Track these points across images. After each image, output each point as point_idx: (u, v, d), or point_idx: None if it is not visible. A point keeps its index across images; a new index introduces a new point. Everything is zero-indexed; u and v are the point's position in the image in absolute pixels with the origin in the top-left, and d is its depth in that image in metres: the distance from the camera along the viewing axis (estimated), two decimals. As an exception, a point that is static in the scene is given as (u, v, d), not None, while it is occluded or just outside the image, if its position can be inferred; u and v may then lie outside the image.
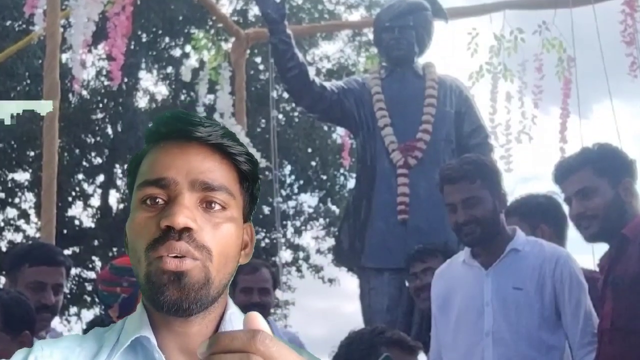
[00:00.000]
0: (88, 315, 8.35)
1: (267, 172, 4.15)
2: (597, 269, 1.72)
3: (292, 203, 9.21)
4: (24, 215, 8.56)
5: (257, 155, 2.56)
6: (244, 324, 0.45)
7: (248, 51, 4.00)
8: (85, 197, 8.77)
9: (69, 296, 8.03)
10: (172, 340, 0.63)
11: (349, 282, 8.63)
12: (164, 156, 0.64)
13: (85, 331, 2.07)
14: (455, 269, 1.84)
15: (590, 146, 1.72)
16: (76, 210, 8.69)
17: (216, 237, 0.62)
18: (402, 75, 2.73)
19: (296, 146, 8.68)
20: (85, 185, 8.84)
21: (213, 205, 0.63)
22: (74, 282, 8.29)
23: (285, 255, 9.04)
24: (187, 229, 0.61)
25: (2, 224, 8.47)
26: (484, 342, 1.69)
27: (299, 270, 9.32)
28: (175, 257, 0.60)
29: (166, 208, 0.62)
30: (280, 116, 8.69)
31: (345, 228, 2.68)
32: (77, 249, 8.39)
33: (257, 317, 0.45)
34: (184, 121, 0.64)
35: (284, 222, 8.79)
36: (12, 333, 1.57)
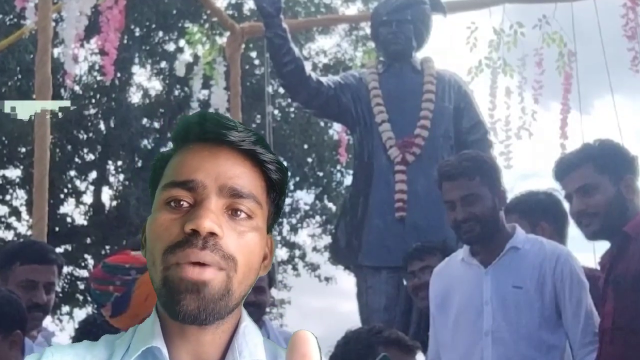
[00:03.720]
0: (80, 314, 8.32)
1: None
2: (598, 267, 1.70)
3: (288, 200, 9.18)
4: (15, 212, 8.49)
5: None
6: (290, 345, 0.40)
7: (243, 46, 3.95)
8: (77, 194, 8.71)
9: (61, 295, 7.98)
10: (184, 349, 0.61)
11: (346, 281, 8.62)
12: (192, 158, 0.62)
13: (77, 330, 2.05)
14: (454, 267, 1.82)
15: (591, 142, 1.71)
16: (68, 207, 8.64)
17: (241, 246, 0.60)
18: (399, 70, 2.71)
19: (292, 142, 8.65)
20: (77, 182, 8.78)
21: (239, 213, 0.61)
22: (66, 280, 8.25)
23: (281, 253, 9.04)
24: (212, 235, 0.59)
25: (-6, 221, 8.41)
26: (483, 342, 1.67)
27: (294, 268, 9.31)
28: (197, 263, 0.58)
29: (191, 211, 0.60)
30: (276, 112, 8.65)
31: (342, 226, 2.65)
32: (69, 247, 8.34)
33: (304, 342, 0.40)
34: (217, 124, 0.62)
35: (280, 220, 8.74)
36: (3, 332, 1.55)
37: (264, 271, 0.65)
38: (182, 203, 0.61)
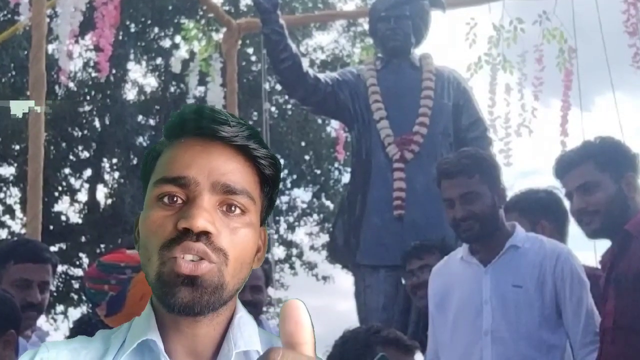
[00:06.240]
0: (75, 313, 8.28)
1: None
2: (599, 266, 1.69)
3: (285, 198, 9.16)
4: (9, 210, 8.43)
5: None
6: (281, 312, 0.41)
7: (240, 42, 3.92)
8: (72, 192, 8.65)
9: (55, 294, 7.94)
10: (179, 342, 0.62)
11: (344, 280, 8.60)
12: (184, 153, 0.62)
13: (72, 330, 2.02)
14: (453, 266, 1.81)
15: (592, 140, 1.70)
16: (63, 205, 8.58)
17: (234, 242, 0.61)
18: (398, 67, 2.69)
19: (289, 140, 8.63)
20: (72, 180, 8.72)
21: (233, 209, 0.62)
22: (60, 279, 8.20)
23: (278, 251, 9.01)
24: (205, 233, 0.59)
25: (-12, 219, 8.34)
26: (482, 342, 1.66)
27: (292, 267, 9.29)
28: (191, 260, 0.59)
29: (184, 209, 0.60)
30: (273, 109, 8.62)
31: (339, 224, 2.64)
32: (63, 246, 8.29)
33: (296, 310, 0.40)
34: (209, 118, 0.62)
35: (277, 218, 8.74)
36: (-3, 332, 1.52)
37: (257, 264, 0.65)
38: (175, 199, 0.61)
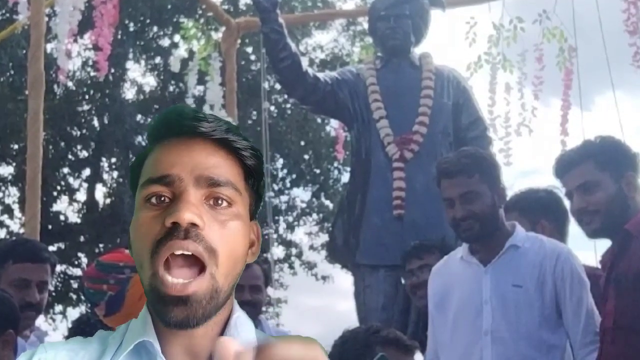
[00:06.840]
0: (74, 313, 8.28)
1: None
2: (599, 266, 1.68)
3: (284, 198, 9.15)
4: (7, 210, 8.42)
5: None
6: (215, 352, 0.39)
7: (239, 41, 3.92)
8: (70, 192, 8.64)
9: (54, 294, 7.93)
10: (176, 343, 0.62)
11: (343, 279, 8.60)
12: (167, 153, 0.63)
13: (70, 329, 2.02)
14: (453, 265, 1.80)
15: (592, 139, 1.70)
16: (61, 205, 8.56)
17: (224, 236, 0.61)
18: (398, 66, 2.68)
19: (288, 139, 8.62)
20: (70, 180, 8.70)
21: (219, 201, 0.62)
22: (59, 279, 8.19)
23: (278, 251, 9.00)
24: (194, 226, 0.59)
25: (-14, 219, 8.33)
26: (482, 342, 1.66)
27: (291, 267, 9.28)
28: (182, 268, 0.58)
29: (171, 205, 0.61)
30: (272, 108, 8.61)
31: (339, 224, 2.63)
32: (62, 245, 8.28)
33: (225, 346, 0.38)
34: (187, 117, 0.63)
35: (276, 218, 8.72)
36: (-4, 332, 1.51)
37: (252, 258, 0.66)
38: (162, 198, 0.61)
